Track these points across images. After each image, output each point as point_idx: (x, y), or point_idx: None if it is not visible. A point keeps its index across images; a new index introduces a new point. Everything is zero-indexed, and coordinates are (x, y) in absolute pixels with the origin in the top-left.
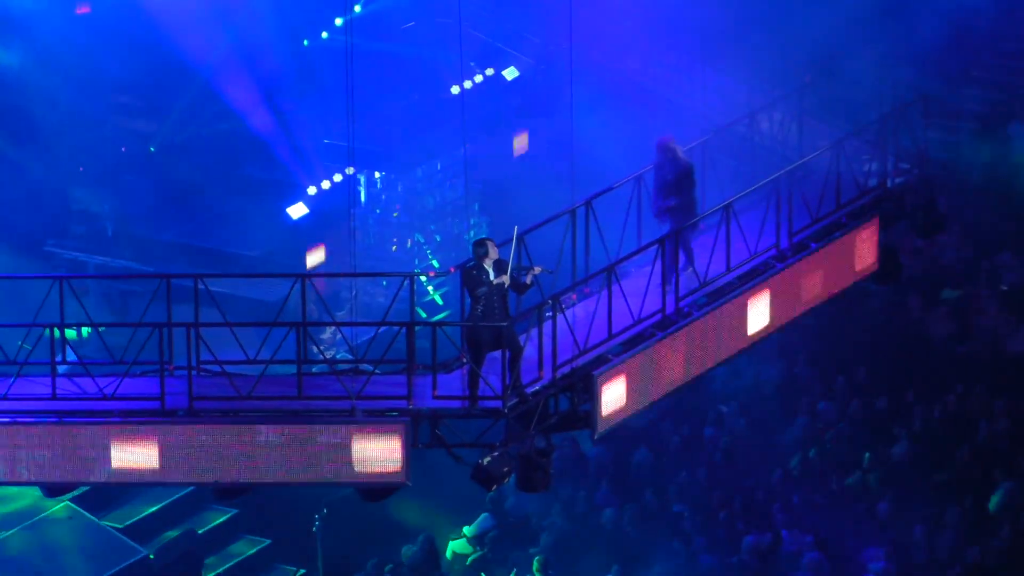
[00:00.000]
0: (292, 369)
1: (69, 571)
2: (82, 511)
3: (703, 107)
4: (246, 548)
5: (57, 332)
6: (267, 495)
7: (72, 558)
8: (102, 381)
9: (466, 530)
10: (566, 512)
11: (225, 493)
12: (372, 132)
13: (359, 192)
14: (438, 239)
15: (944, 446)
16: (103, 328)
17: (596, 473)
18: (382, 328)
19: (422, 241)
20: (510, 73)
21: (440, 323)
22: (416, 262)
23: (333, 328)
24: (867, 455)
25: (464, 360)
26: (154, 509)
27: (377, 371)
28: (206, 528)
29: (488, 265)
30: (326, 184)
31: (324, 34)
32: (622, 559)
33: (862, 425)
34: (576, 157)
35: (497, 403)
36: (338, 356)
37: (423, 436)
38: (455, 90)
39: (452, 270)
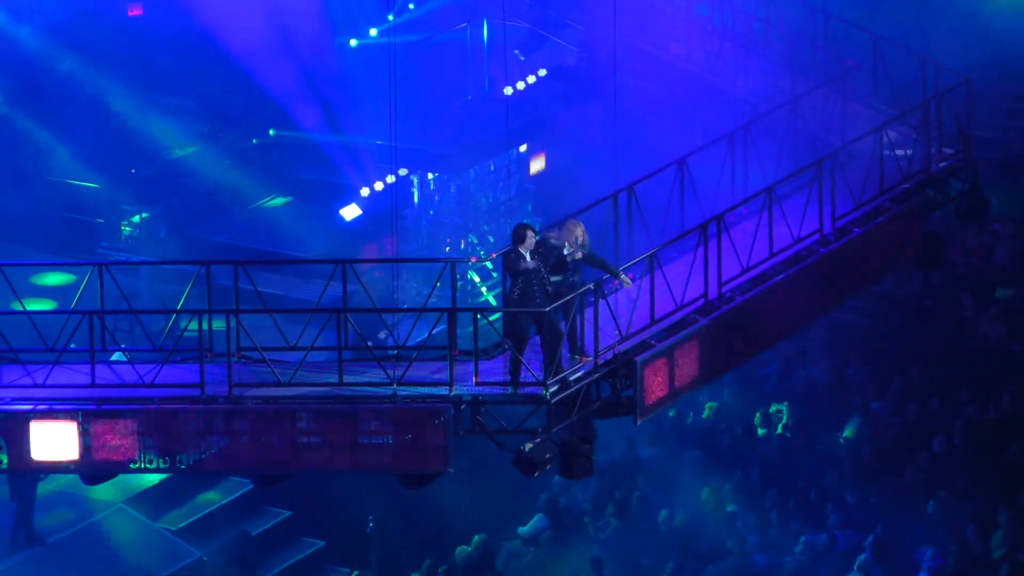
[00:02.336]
0: (333, 356)
1: (122, 573)
2: (136, 513)
3: (746, 92)
4: (300, 550)
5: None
6: (321, 496)
7: (125, 560)
8: (142, 368)
9: (521, 531)
10: (620, 512)
11: (265, 481)
12: (425, 133)
13: (412, 193)
14: (492, 240)
15: (997, 445)
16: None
17: (647, 473)
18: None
19: (476, 242)
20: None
21: (481, 308)
22: (469, 263)
23: (385, 332)
24: (920, 455)
25: (506, 346)
26: (208, 511)
27: (418, 357)
28: (260, 530)
29: (525, 250)
30: (379, 185)
31: (373, 31)
32: (676, 558)
33: (915, 425)
34: (619, 143)
35: (539, 389)
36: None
37: (465, 422)
38: (508, 91)
39: (494, 256)
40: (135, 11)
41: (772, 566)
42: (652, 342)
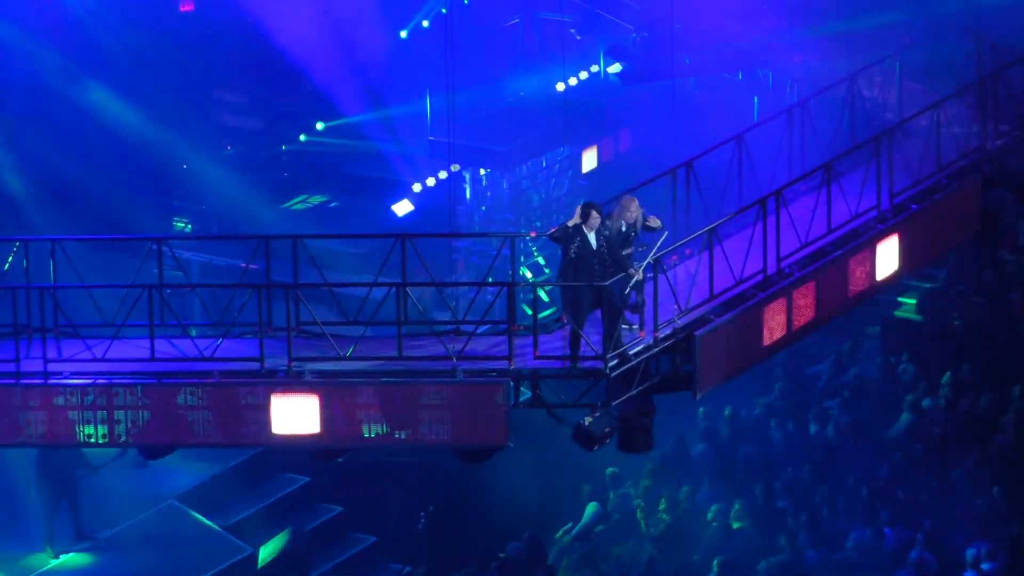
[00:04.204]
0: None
1: (174, 569)
2: (187, 509)
3: (803, 70)
4: (351, 546)
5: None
6: (372, 493)
7: (177, 556)
8: (201, 343)
9: (572, 525)
10: (672, 509)
11: (324, 455)
12: (478, 129)
13: (464, 189)
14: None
15: None
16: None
17: (700, 470)
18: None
19: (528, 238)
20: (615, 69)
21: (540, 283)
22: (522, 259)
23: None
24: (972, 451)
25: (565, 321)
26: (259, 507)
27: (477, 332)
28: (311, 526)
29: (589, 230)
30: (431, 181)
31: (425, 23)
32: (727, 555)
33: (966, 421)
34: (678, 120)
35: (598, 363)
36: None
37: (524, 397)
38: (560, 87)
39: (551, 232)
40: (187, 6)
41: (823, 563)
42: (711, 317)
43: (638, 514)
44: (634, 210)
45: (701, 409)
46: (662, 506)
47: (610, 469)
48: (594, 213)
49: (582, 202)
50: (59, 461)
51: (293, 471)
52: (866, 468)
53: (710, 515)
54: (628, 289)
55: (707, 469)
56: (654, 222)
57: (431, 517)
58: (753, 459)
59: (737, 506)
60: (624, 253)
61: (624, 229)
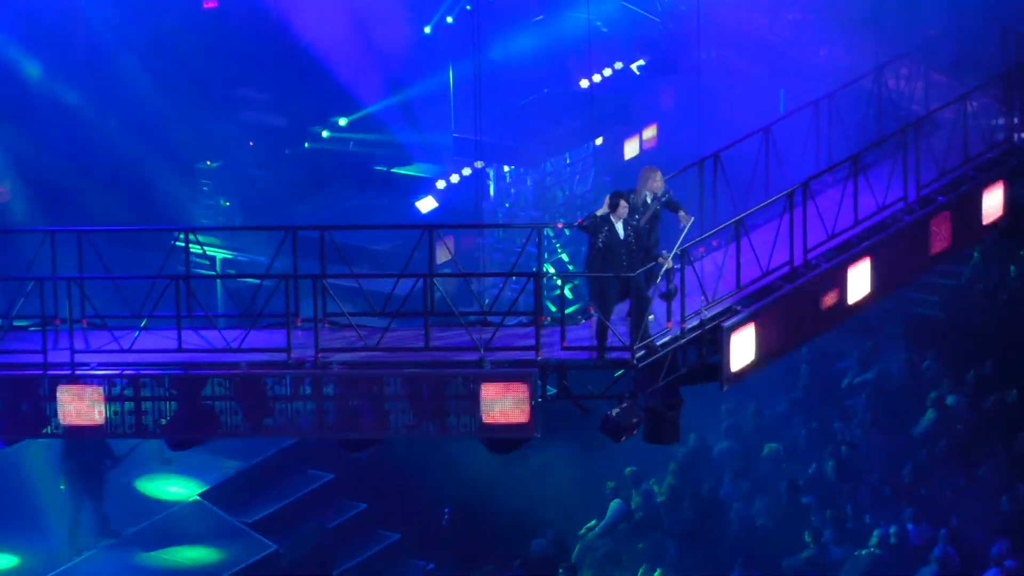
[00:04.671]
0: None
1: (199, 566)
2: (211, 506)
3: (829, 62)
4: (376, 542)
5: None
6: (396, 490)
7: (202, 553)
8: (229, 334)
9: (595, 523)
10: (696, 506)
11: (352, 446)
12: (502, 126)
13: (488, 186)
14: (568, 233)
15: None
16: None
17: (723, 466)
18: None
19: (552, 235)
20: (640, 63)
21: (568, 274)
22: (546, 256)
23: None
24: (996, 448)
25: (592, 311)
26: (284, 504)
27: (504, 323)
28: (336, 523)
29: (616, 220)
30: (455, 178)
31: (449, 18)
32: (751, 551)
33: (991, 418)
34: (704, 113)
35: (626, 354)
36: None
37: (551, 388)
38: (584, 84)
39: (580, 222)
40: (210, 3)
41: (847, 559)
42: (738, 308)
43: (661, 511)
44: (659, 179)
45: (724, 406)
46: (685, 503)
47: (628, 469)
48: (622, 203)
49: (611, 192)
50: (85, 455)
51: (317, 468)
52: (890, 465)
53: (733, 512)
54: (659, 277)
55: (730, 466)
56: (682, 216)
57: (455, 514)
58: (777, 456)
59: (760, 503)
60: (645, 223)
61: (650, 201)
